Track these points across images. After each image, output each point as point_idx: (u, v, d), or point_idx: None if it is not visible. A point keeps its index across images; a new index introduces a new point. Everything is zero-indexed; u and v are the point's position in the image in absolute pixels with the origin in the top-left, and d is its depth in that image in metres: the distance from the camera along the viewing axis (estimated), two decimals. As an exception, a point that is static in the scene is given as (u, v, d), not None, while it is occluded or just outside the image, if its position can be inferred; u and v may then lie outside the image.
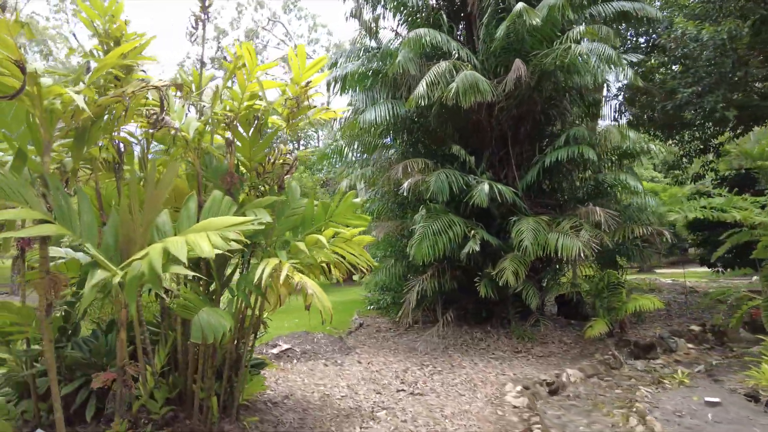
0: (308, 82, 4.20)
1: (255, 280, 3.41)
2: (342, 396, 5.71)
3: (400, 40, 10.43)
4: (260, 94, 4.10)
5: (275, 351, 7.64)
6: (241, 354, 4.41)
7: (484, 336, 8.74)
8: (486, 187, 7.50)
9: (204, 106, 4.17)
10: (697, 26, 9.02)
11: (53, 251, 5.10)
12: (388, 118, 8.40)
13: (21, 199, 2.57)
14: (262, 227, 3.16)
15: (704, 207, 7.25)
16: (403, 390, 5.98)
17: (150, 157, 4.35)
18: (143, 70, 3.62)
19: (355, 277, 16.39)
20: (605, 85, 11.44)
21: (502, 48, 8.40)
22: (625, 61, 8.02)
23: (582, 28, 7.69)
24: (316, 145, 25.72)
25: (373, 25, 10.53)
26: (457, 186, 7.78)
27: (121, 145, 3.81)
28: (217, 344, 3.93)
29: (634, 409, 5.03)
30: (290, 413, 4.98)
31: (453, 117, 8.85)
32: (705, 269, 16.03)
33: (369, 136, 9.93)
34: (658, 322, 9.89)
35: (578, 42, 7.74)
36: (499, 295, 8.31)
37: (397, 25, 10.81)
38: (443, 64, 7.61)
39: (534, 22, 7.20)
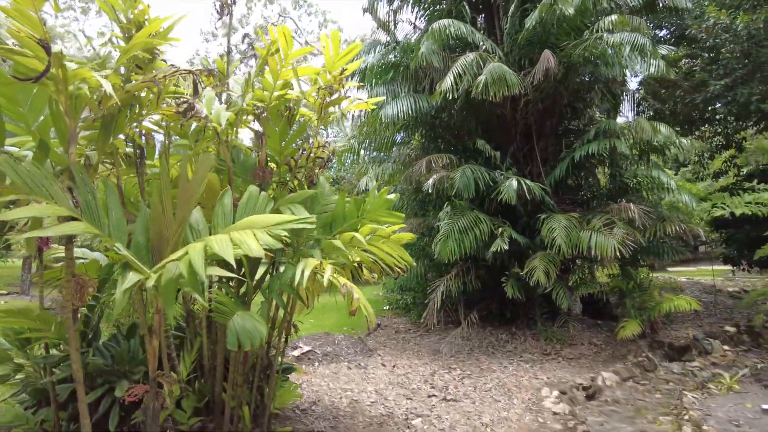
0: (343, 70, 3.94)
1: (295, 280, 3.15)
2: (372, 402, 5.45)
3: (418, 33, 10.17)
4: (293, 82, 3.84)
5: (296, 353, 7.39)
6: (272, 359, 4.16)
7: (509, 338, 8.46)
8: (514, 183, 7.21)
9: (231, 95, 3.90)
10: (730, 15, 8.68)
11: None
12: (410, 112, 8.12)
13: (46, 194, 2.32)
14: (313, 226, 2.89)
15: (749, 203, 6.91)
16: (434, 395, 5.71)
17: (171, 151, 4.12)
18: (164, 60, 3.37)
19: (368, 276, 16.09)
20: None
21: (526, 40, 8.10)
22: (659, 52, 7.69)
23: (614, 17, 7.38)
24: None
25: (392, 17, 10.25)
26: (483, 182, 7.49)
27: (143, 138, 3.58)
28: (254, 350, 3.68)
29: (686, 417, 4.73)
30: (321, 421, 4.72)
31: (476, 111, 8.57)
32: (716, 267, 15.63)
33: (388, 132, 9.65)
34: (688, 322, 9.56)
35: (610, 32, 7.44)
36: (526, 295, 8.02)
37: (416, 18, 10.56)
38: (471, 56, 7.32)
39: (567, 12, 6.90)
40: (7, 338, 4.27)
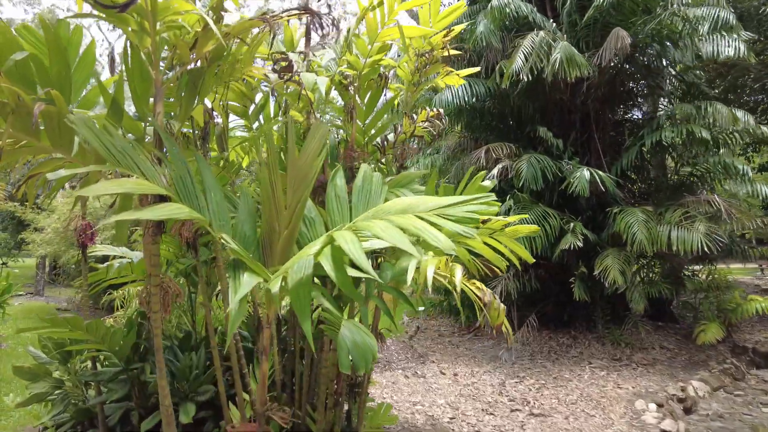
0: (449, 30, 3.30)
1: (407, 281, 2.55)
2: (450, 418, 4.81)
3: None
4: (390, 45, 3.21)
5: (346, 360, 6.76)
6: (360, 376, 3.54)
7: (571, 342, 7.79)
8: (587, 173, 6.54)
9: (315, 59, 3.27)
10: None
11: (107, 249, 4.23)
12: (465, 98, 7.46)
13: (133, 166, 1.68)
14: (496, 208, 2.25)
15: None
16: (518, 409, 5.06)
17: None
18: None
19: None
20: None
21: (590, 20, 7.41)
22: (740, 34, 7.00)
23: (692, -11, 6.70)
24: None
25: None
26: (551, 173, 6.83)
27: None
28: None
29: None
30: (404, 444, 4.09)
31: (534, 96, 7.89)
32: (733, 265, 15.07)
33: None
34: (757, 325, 8.86)
35: (687, 6, 6.77)
36: (591, 296, 7.34)
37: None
38: (541, 34, 6.64)
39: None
40: (45, 350, 3.67)
